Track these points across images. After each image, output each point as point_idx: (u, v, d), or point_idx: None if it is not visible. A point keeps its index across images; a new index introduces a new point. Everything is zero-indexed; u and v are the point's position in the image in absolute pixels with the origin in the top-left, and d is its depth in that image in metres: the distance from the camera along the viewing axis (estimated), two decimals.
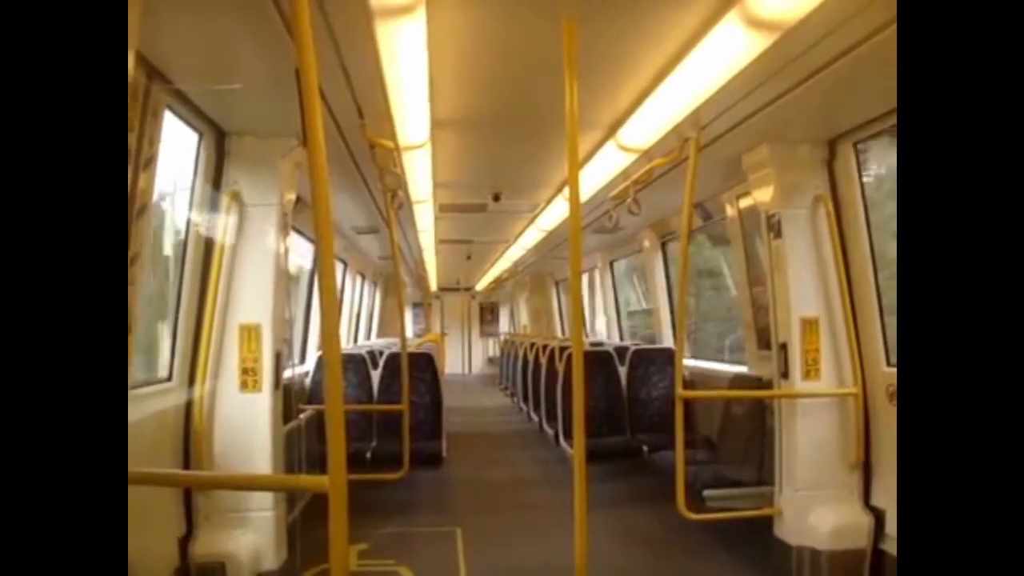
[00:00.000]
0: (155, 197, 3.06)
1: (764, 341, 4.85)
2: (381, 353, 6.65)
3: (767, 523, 4.07)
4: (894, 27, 2.47)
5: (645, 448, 5.83)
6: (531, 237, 8.34)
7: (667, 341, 7.36)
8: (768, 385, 4.43)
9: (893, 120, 3.46)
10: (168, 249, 3.92)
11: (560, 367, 6.76)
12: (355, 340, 11.17)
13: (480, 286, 17.18)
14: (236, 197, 3.66)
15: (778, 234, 4.01)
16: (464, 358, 19.95)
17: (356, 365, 6.42)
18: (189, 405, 3.55)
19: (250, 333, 3.63)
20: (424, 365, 6.38)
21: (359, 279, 11.01)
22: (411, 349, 6.12)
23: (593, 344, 8.22)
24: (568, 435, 6.41)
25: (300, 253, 6.65)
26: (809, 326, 3.94)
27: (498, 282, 15.52)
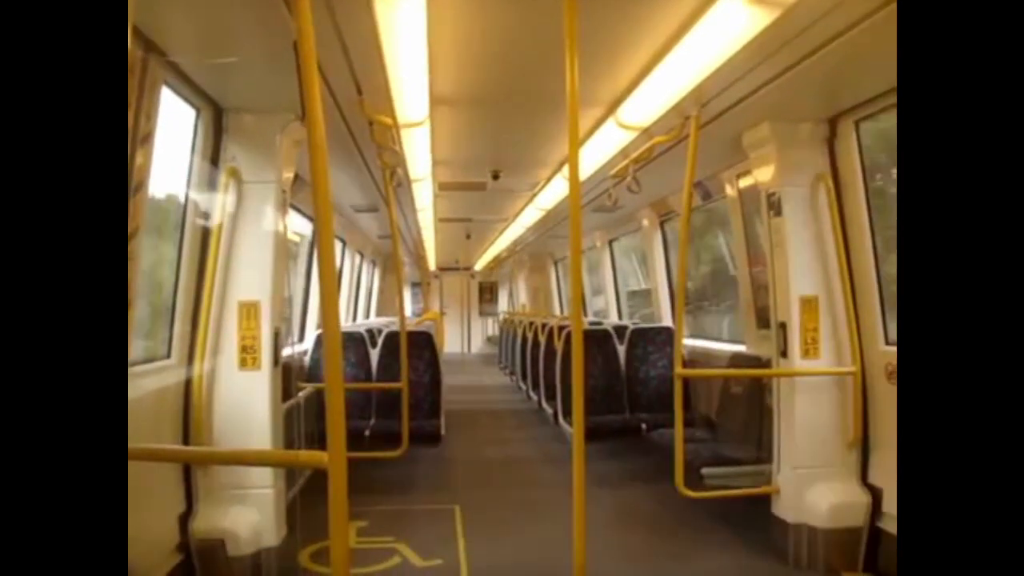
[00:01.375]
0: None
1: (763, 320, 4.85)
2: (380, 331, 6.65)
3: (765, 501, 4.10)
4: (895, 4, 2.45)
5: (644, 426, 5.85)
6: (530, 216, 8.32)
7: (666, 320, 7.37)
8: (767, 364, 4.44)
9: (895, 98, 3.44)
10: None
11: (559, 346, 6.77)
12: (354, 319, 11.18)
13: (479, 265, 17.16)
14: (234, 174, 3.63)
15: (778, 212, 4.00)
16: (463, 337, 19.98)
17: (355, 343, 6.42)
18: (188, 383, 3.55)
19: (249, 311, 3.63)
20: (423, 344, 6.38)
21: (358, 258, 11.00)
22: (410, 328, 6.13)
23: (592, 323, 8.23)
24: (567, 414, 6.43)
25: (299, 232, 6.62)
26: (808, 305, 3.94)
27: (497, 261, 15.52)
